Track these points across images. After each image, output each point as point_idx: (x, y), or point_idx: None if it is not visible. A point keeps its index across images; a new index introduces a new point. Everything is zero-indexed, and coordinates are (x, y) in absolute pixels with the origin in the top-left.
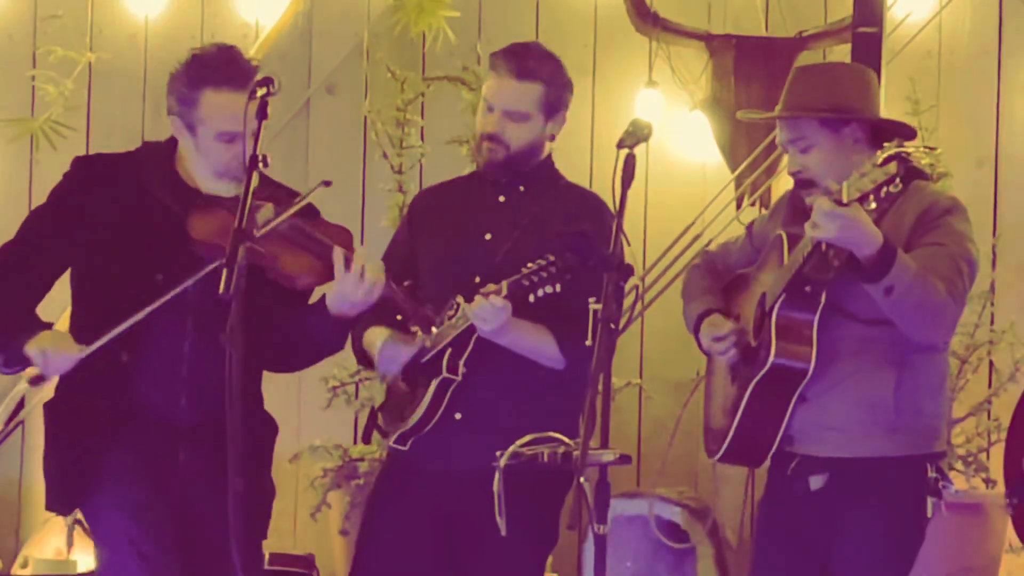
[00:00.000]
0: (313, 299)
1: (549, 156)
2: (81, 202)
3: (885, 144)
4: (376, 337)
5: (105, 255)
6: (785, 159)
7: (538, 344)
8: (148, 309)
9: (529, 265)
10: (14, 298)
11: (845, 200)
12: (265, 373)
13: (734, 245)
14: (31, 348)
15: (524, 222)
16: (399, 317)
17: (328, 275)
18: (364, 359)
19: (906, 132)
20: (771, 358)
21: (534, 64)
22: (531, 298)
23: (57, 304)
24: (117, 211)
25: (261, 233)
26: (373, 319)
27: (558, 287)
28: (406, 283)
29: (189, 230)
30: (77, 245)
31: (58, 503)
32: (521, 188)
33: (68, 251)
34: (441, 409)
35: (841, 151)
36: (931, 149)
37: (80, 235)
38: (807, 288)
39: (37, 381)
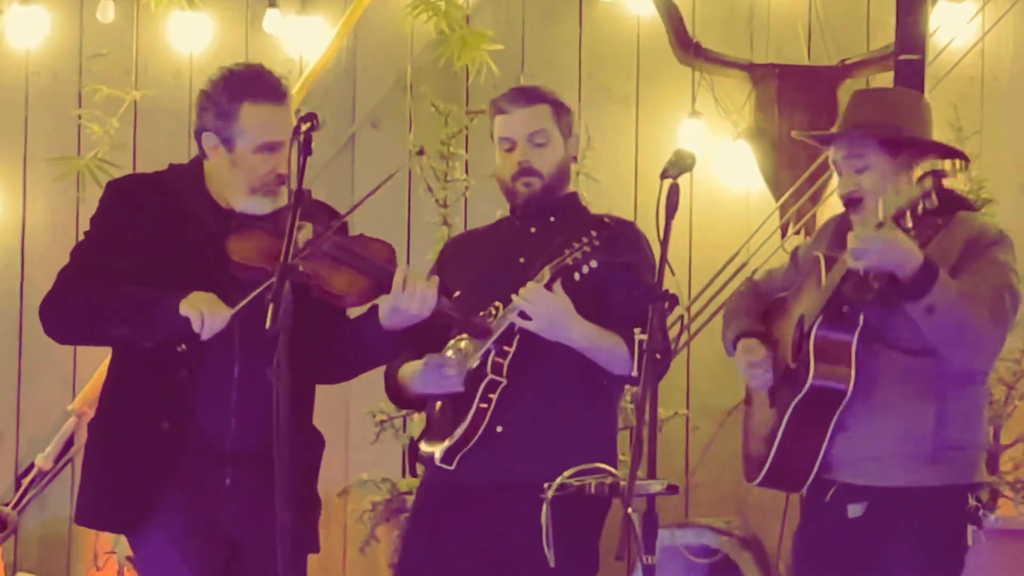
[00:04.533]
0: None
1: (575, 192)
2: (123, 225)
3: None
4: (413, 367)
5: (148, 278)
6: (829, 187)
7: (605, 343)
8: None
9: (573, 244)
10: (119, 281)
11: (881, 218)
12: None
13: (778, 272)
14: (187, 308)
15: (558, 242)
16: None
17: (375, 292)
18: (398, 397)
19: (959, 159)
20: (810, 380)
21: (535, 90)
22: (577, 276)
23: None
24: (156, 232)
25: (303, 255)
26: (407, 354)
27: (603, 259)
28: (456, 294)
29: (229, 253)
30: (124, 270)
31: (108, 522)
32: (552, 219)
33: (117, 277)
34: (488, 414)
35: (896, 174)
36: (966, 163)
37: (126, 259)
38: (845, 309)
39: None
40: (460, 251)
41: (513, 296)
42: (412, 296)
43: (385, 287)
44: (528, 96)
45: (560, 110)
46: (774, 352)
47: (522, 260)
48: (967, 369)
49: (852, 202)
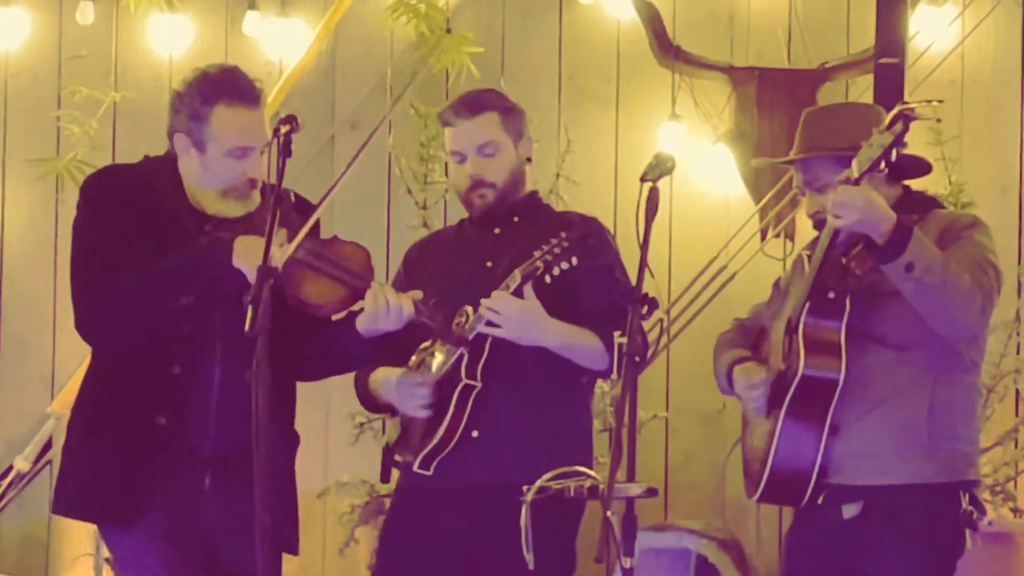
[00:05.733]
0: None
1: (535, 192)
2: (115, 215)
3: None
4: (385, 376)
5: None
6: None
7: (580, 341)
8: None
9: (543, 247)
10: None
11: (856, 175)
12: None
13: (762, 305)
14: (241, 262)
15: (523, 242)
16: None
17: (350, 300)
18: (370, 403)
19: (922, 165)
20: (801, 369)
21: (480, 99)
22: (548, 278)
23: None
24: (140, 223)
25: (283, 260)
26: (383, 359)
27: (575, 260)
28: (432, 301)
29: None
30: (130, 257)
31: (93, 513)
32: (515, 219)
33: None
34: (465, 417)
35: None
36: (938, 101)
37: (129, 246)
38: (831, 295)
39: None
40: (425, 255)
41: (482, 302)
42: (387, 312)
43: (361, 294)
44: (473, 106)
45: (508, 115)
46: (766, 367)
47: (489, 264)
48: (957, 339)
49: (820, 222)
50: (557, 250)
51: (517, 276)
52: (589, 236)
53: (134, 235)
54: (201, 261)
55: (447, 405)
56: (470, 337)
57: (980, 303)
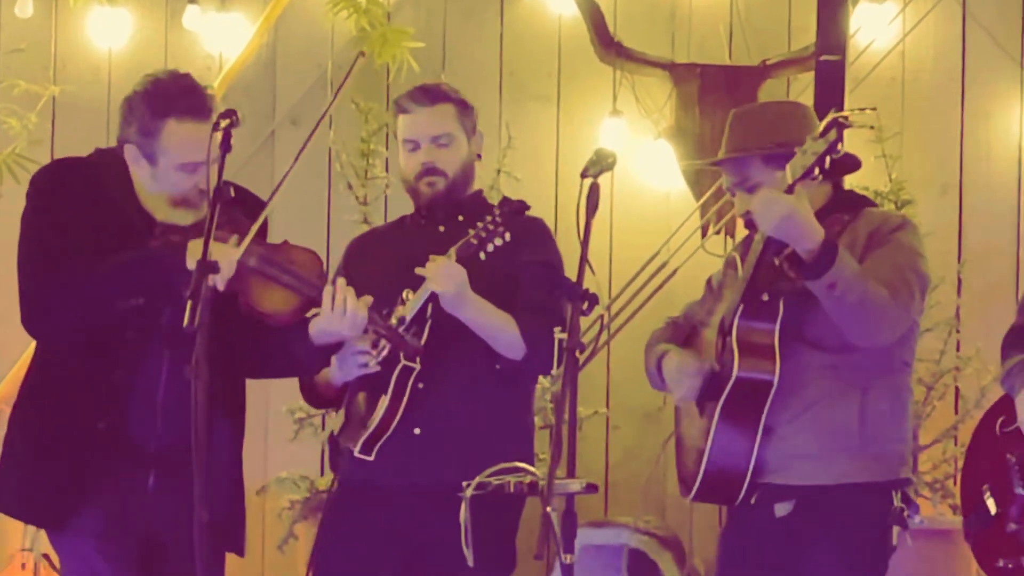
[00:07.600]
0: None
1: (480, 192)
2: (65, 208)
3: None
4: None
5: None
6: None
7: (499, 322)
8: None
9: (477, 224)
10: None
11: (790, 180)
12: None
13: (695, 304)
14: (193, 263)
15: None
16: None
17: (304, 309)
18: (313, 396)
19: (852, 162)
20: (735, 372)
21: (438, 89)
22: (482, 255)
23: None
24: (90, 219)
25: (237, 256)
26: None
27: (508, 236)
28: (386, 311)
29: None
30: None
31: (33, 515)
32: (460, 218)
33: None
34: (404, 401)
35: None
36: (871, 109)
37: (79, 239)
38: (764, 297)
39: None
40: (366, 251)
41: (425, 270)
42: (342, 318)
43: (315, 302)
44: (431, 96)
45: (464, 109)
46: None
47: None
48: (867, 344)
49: (751, 223)
50: (491, 226)
51: (452, 254)
52: (520, 211)
53: (84, 229)
54: (154, 263)
55: (386, 387)
56: (413, 315)
57: (895, 318)
